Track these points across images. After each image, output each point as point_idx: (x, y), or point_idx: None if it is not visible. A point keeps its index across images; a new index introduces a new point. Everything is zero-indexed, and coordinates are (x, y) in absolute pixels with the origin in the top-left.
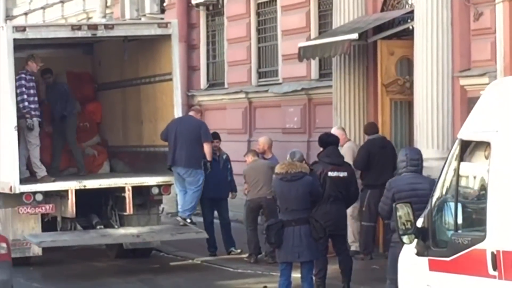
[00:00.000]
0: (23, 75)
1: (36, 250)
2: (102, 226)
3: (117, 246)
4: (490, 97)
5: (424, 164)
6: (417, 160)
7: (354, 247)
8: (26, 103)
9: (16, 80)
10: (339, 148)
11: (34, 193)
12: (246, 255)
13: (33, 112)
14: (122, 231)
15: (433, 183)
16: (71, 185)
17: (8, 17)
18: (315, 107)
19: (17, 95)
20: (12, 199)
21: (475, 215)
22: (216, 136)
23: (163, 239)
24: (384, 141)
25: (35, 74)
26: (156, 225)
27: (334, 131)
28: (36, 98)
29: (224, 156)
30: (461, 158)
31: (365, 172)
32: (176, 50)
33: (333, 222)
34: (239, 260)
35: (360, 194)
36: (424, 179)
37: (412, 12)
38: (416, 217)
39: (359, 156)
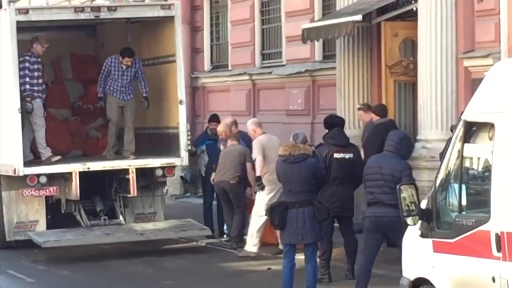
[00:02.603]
0: (28, 57)
1: None
2: (106, 217)
3: None
4: (494, 78)
5: (428, 145)
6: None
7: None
8: (28, 86)
9: (20, 62)
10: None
11: (38, 175)
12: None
13: (36, 94)
14: (126, 228)
15: (401, 165)
16: (75, 167)
17: None
18: (319, 89)
19: (20, 77)
20: (16, 182)
21: (479, 197)
22: (215, 118)
23: (167, 237)
24: (395, 124)
25: (40, 56)
26: (160, 221)
27: (249, 124)
28: (40, 80)
29: None
30: (465, 139)
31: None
32: (179, 32)
33: (339, 204)
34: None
35: None
36: (393, 161)
37: None
38: (419, 199)
39: (374, 143)
